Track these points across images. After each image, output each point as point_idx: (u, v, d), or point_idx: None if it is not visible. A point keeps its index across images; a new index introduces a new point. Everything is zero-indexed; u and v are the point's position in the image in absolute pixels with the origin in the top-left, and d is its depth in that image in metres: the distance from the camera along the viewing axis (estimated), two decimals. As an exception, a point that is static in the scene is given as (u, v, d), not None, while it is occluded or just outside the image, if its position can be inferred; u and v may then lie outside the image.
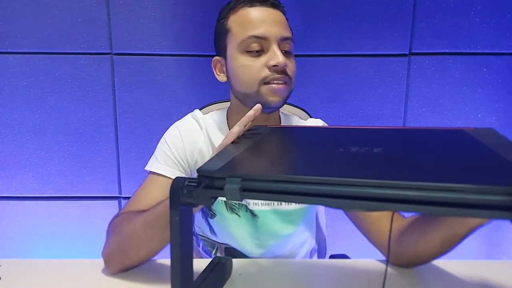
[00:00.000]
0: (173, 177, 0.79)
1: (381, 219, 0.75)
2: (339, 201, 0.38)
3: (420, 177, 0.36)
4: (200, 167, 0.45)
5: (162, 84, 1.40)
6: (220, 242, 0.87)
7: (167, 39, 1.37)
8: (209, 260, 0.65)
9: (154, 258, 0.73)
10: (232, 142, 0.57)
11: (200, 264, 0.62)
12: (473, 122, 1.41)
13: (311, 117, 1.04)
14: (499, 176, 0.37)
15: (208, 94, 1.40)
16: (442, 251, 0.64)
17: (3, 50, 1.37)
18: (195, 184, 0.46)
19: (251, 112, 0.62)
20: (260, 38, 0.73)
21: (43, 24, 1.35)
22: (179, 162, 0.81)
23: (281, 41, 0.75)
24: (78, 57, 1.38)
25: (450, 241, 0.61)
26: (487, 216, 0.33)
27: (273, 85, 0.74)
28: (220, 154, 0.51)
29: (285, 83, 0.75)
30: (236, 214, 0.83)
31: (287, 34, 0.76)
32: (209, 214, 0.85)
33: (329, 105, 1.41)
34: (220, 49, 0.81)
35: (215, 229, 0.87)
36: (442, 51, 1.37)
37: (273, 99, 0.74)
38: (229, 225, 0.84)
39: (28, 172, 1.45)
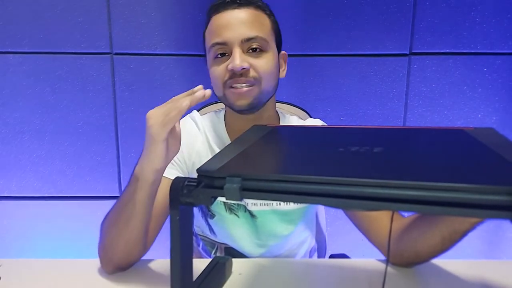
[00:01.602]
0: (172, 177, 0.79)
1: (380, 218, 0.75)
2: (339, 200, 0.38)
3: (420, 176, 0.36)
4: (200, 166, 0.45)
5: (162, 84, 1.40)
6: (220, 242, 0.87)
7: (168, 39, 1.37)
8: (209, 260, 0.66)
9: (154, 258, 0.73)
10: (231, 142, 0.56)
11: (200, 264, 0.62)
12: (473, 121, 1.41)
13: (310, 117, 1.04)
14: (499, 176, 0.37)
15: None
16: (443, 249, 0.64)
17: (4, 50, 1.37)
18: (195, 183, 0.46)
19: (199, 94, 0.58)
20: (222, 44, 0.75)
21: (43, 23, 1.35)
22: (176, 163, 0.82)
23: (245, 42, 0.74)
24: (78, 56, 1.38)
25: (451, 238, 0.61)
26: (487, 216, 0.33)
27: (235, 89, 0.75)
28: (220, 153, 0.51)
29: (250, 85, 0.75)
30: (235, 214, 0.83)
31: (252, 33, 0.74)
32: (208, 214, 0.85)
33: (329, 105, 1.41)
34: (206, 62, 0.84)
35: (215, 229, 0.87)
36: (442, 51, 1.37)
37: (239, 103, 0.76)
38: (228, 225, 0.84)
39: (28, 172, 1.45)
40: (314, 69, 1.38)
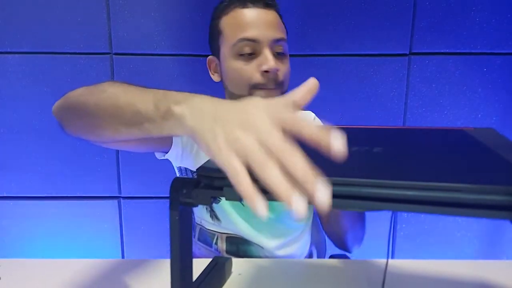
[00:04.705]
0: None
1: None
2: (338, 201, 0.38)
3: (420, 176, 0.36)
4: (200, 166, 0.45)
5: (162, 84, 1.39)
6: (223, 230, 0.86)
7: (167, 39, 1.37)
8: (209, 260, 0.65)
9: (154, 258, 0.73)
10: None
11: (200, 264, 0.62)
12: (473, 122, 1.41)
13: None
14: (499, 176, 0.37)
15: (208, 94, 1.40)
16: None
17: (2, 50, 1.36)
18: (195, 184, 0.46)
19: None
20: (252, 41, 0.73)
21: (42, 23, 1.35)
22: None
23: (274, 43, 0.74)
24: (77, 57, 1.38)
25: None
26: (487, 216, 0.33)
27: (267, 90, 0.74)
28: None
29: (277, 88, 0.75)
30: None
31: (280, 35, 0.75)
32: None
33: (328, 105, 1.41)
34: (214, 49, 0.81)
35: (219, 215, 0.84)
36: (442, 51, 1.37)
37: None
38: (234, 209, 0.83)
39: (27, 172, 1.45)
40: (313, 69, 1.38)
